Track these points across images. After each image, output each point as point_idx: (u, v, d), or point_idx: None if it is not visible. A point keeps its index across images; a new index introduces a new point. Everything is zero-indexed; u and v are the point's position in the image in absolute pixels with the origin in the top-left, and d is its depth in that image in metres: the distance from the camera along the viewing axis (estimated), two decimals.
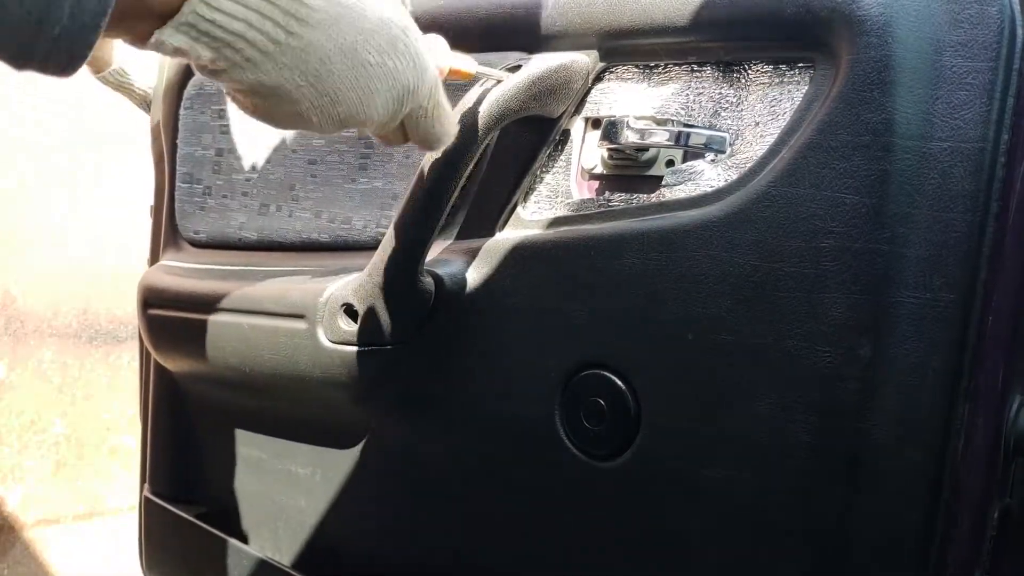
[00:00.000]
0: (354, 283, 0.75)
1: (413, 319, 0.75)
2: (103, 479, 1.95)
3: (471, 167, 0.73)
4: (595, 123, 0.72)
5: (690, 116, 0.67)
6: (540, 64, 0.69)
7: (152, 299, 0.94)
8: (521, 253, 0.72)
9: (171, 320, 0.92)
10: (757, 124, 0.64)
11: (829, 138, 0.59)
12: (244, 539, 0.96)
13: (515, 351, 0.72)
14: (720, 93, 0.66)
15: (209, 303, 0.87)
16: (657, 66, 0.69)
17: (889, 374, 0.58)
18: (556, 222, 0.72)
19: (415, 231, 0.71)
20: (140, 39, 0.47)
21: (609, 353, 0.68)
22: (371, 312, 0.75)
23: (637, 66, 0.70)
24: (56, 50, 0.43)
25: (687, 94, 0.68)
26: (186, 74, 0.97)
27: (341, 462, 0.86)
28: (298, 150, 0.88)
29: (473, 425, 0.76)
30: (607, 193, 0.71)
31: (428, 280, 0.74)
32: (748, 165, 0.63)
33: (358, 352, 0.77)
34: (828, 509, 0.60)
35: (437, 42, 0.62)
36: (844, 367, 0.59)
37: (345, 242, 0.85)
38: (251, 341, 0.84)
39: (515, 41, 0.74)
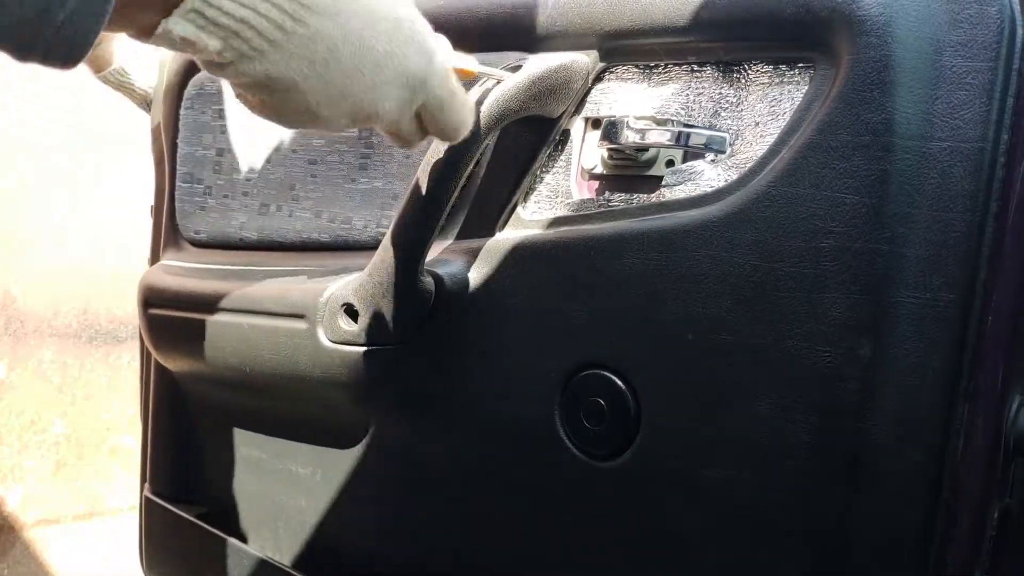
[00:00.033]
0: (354, 283, 0.75)
1: (413, 319, 0.75)
2: (103, 479, 1.95)
3: (471, 167, 0.73)
4: (595, 123, 0.72)
5: (690, 116, 0.67)
6: (540, 64, 0.69)
7: (152, 299, 0.94)
8: (521, 253, 0.72)
9: (171, 320, 0.92)
10: (757, 124, 0.64)
11: (829, 138, 0.59)
12: (244, 539, 0.96)
13: (515, 351, 0.72)
14: (720, 93, 0.66)
15: (209, 303, 0.87)
16: (657, 66, 0.69)
17: (889, 374, 0.58)
18: (556, 222, 0.72)
19: (415, 231, 0.71)
20: (144, 32, 0.47)
21: (609, 353, 0.68)
22: (371, 312, 0.75)
23: (637, 66, 0.70)
24: (59, 41, 0.42)
25: (687, 94, 0.68)
26: (187, 74, 0.97)
27: (341, 462, 0.86)
28: (298, 150, 0.88)
29: (473, 425, 0.76)
30: (607, 193, 0.71)
31: (428, 280, 0.74)
32: (748, 165, 0.63)
33: (358, 352, 0.77)
34: (828, 509, 0.60)
35: (439, 41, 0.62)
36: (844, 367, 0.59)
37: (345, 242, 0.85)
38: (251, 341, 0.84)
39: (515, 41, 0.74)
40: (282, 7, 0.47)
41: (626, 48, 0.70)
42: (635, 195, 0.69)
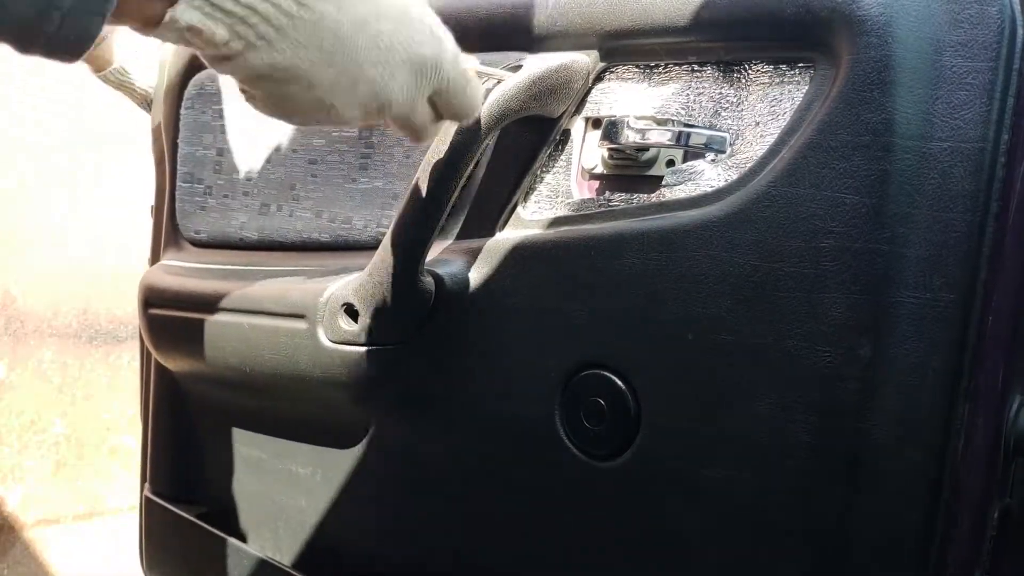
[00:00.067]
0: (354, 283, 0.75)
1: (413, 319, 0.75)
2: (103, 479, 1.95)
3: (471, 167, 0.73)
4: (595, 123, 0.72)
5: (690, 116, 0.67)
6: (540, 64, 0.69)
7: (153, 299, 0.94)
8: (521, 253, 0.72)
9: (172, 320, 0.92)
10: (757, 124, 0.64)
11: (829, 138, 0.59)
12: (244, 539, 0.96)
13: (515, 351, 0.72)
14: (720, 93, 0.66)
15: (210, 303, 0.87)
16: (657, 66, 0.69)
17: (889, 374, 0.58)
18: (556, 222, 0.72)
19: (415, 231, 0.71)
20: (150, 23, 0.46)
21: (609, 353, 0.68)
22: (371, 312, 0.75)
23: (637, 66, 0.70)
24: (62, 32, 0.42)
25: (687, 94, 0.68)
26: (187, 74, 0.97)
27: (341, 462, 0.86)
28: (299, 150, 0.88)
29: (473, 425, 0.76)
30: (607, 193, 0.71)
31: (428, 280, 0.74)
32: (748, 165, 0.63)
33: (358, 352, 0.77)
34: (828, 509, 0.60)
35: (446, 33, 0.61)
36: (844, 367, 0.59)
37: (345, 242, 0.85)
38: (251, 341, 0.84)
39: (515, 41, 0.74)
40: None
41: (626, 48, 0.70)
42: (635, 195, 0.69)
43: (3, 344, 1.79)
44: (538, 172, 0.74)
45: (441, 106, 0.57)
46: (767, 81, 0.64)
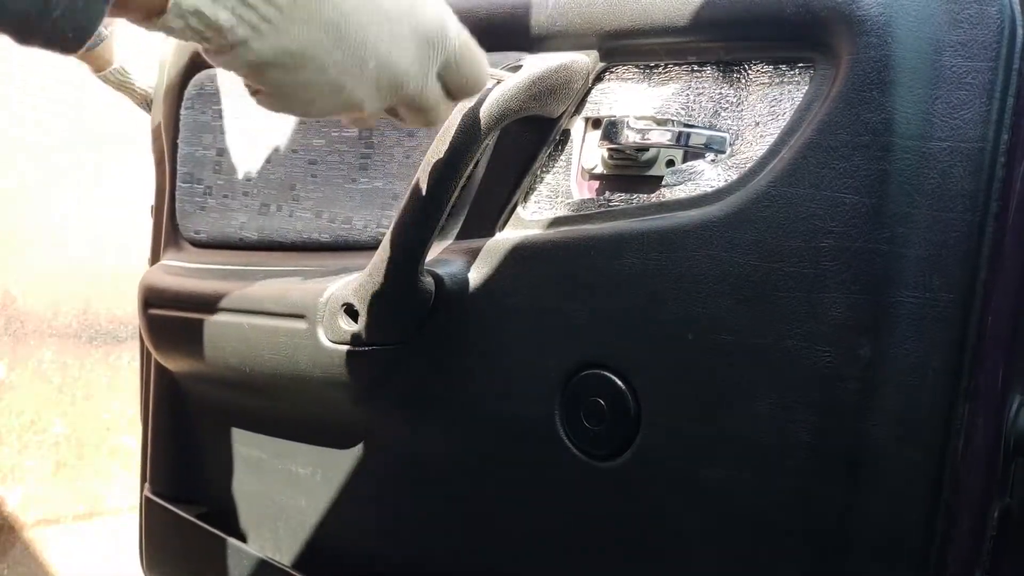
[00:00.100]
0: (354, 283, 0.75)
1: (413, 319, 0.75)
2: (103, 479, 1.95)
3: (471, 167, 0.73)
4: (595, 123, 0.72)
5: (690, 116, 0.67)
6: (540, 64, 0.69)
7: (152, 299, 0.94)
8: (521, 253, 0.72)
9: (171, 320, 0.92)
10: (757, 124, 0.64)
11: (829, 138, 0.59)
12: (244, 539, 0.96)
13: (515, 351, 0.72)
14: (720, 93, 0.66)
15: (209, 303, 0.87)
16: (657, 66, 0.69)
17: (889, 374, 0.58)
18: (556, 222, 0.72)
19: (415, 231, 0.71)
20: (151, 13, 0.45)
21: (609, 353, 0.68)
22: (371, 312, 0.75)
23: (637, 66, 0.70)
24: (63, 22, 0.41)
25: (687, 94, 0.68)
26: (187, 74, 0.97)
27: (341, 462, 0.86)
28: (298, 150, 0.88)
29: (473, 425, 0.76)
30: (607, 193, 0.71)
31: (428, 280, 0.74)
32: (748, 165, 0.63)
33: (358, 352, 0.77)
34: (828, 509, 0.60)
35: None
36: (844, 367, 0.59)
37: (345, 242, 0.85)
38: (251, 341, 0.84)
39: (515, 41, 0.74)
40: None
41: (626, 48, 0.70)
42: (635, 195, 0.69)
43: (3, 344, 1.79)
44: (538, 172, 0.74)
45: (449, 81, 0.56)
46: (767, 81, 0.64)
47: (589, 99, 0.72)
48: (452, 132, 0.69)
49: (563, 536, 0.72)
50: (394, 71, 0.52)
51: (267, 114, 0.90)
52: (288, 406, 0.89)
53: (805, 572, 0.62)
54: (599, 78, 0.72)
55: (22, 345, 1.82)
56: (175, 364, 0.96)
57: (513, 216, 0.75)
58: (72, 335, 1.89)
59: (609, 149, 0.70)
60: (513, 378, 0.73)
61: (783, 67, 0.63)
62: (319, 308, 0.78)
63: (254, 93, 0.53)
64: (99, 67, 1.04)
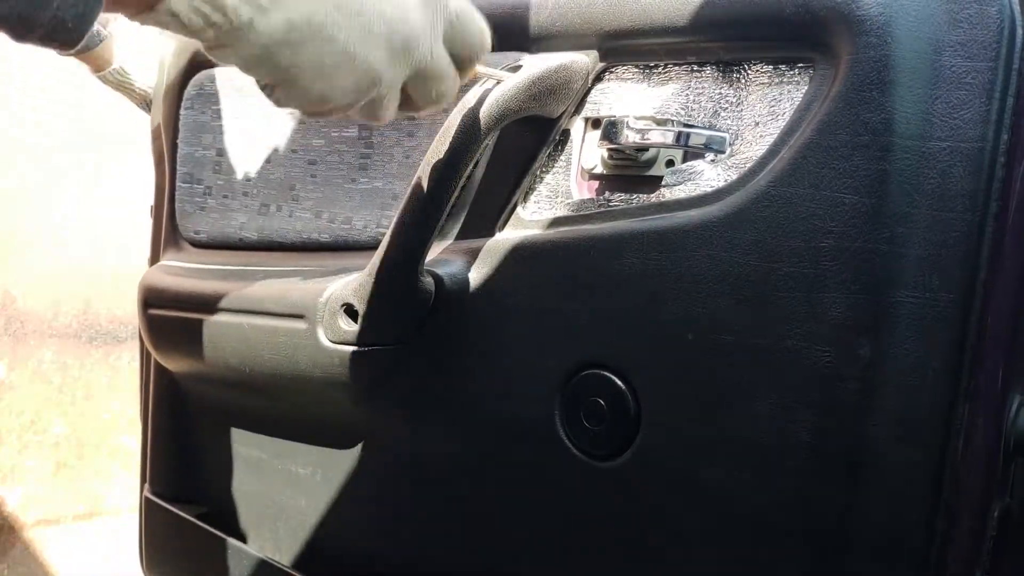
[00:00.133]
0: (354, 283, 0.75)
1: (413, 319, 0.75)
2: (103, 479, 1.95)
3: (471, 167, 0.73)
4: (595, 123, 0.72)
5: (690, 116, 0.67)
6: (540, 64, 0.69)
7: (152, 299, 0.94)
8: (521, 253, 0.72)
9: (171, 320, 0.92)
10: (757, 124, 0.64)
11: (829, 138, 0.59)
12: (244, 539, 0.96)
13: (515, 351, 0.72)
14: (720, 93, 0.66)
15: (209, 303, 0.87)
16: (657, 66, 0.69)
17: (889, 374, 0.58)
18: (556, 222, 0.72)
19: (415, 231, 0.71)
20: (146, 5, 0.45)
21: (609, 353, 0.68)
22: (371, 312, 0.75)
23: (637, 66, 0.70)
24: (60, 19, 0.41)
25: (687, 94, 0.68)
26: (187, 74, 0.97)
27: (341, 462, 0.86)
28: (298, 150, 0.88)
29: (473, 425, 0.76)
30: (607, 193, 0.71)
31: (428, 280, 0.74)
32: (748, 165, 0.63)
33: (358, 352, 0.77)
34: (828, 509, 0.60)
35: None
36: (844, 367, 0.59)
37: (345, 242, 0.85)
38: (251, 341, 0.84)
39: (515, 41, 0.74)
40: None
41: (626, 48, 0.70)
42: (635, 195, 0.69)
43: (3, 344, 1.79)
44: (538, 172, 0.74)
45: (454, 47, 0.55)
46: (767, 81, 0.64)
47: (589, 99, 0.72)
48: (452, 132, 0.69)
49: (563, 536, 0.72)
50: (403, 31, 0.51)
51: (267, 114, 0.90)
52: (288, 406, 0.89)
53: (805, 572, 0.62)
54: (599, 78, 0.72)
55: (22, 345, 1.82)
56: (175, 364, 0.96)
57: (513, 216, 0.75)
58: (72, 335, 1.89)
59: (609, 149, 0.70)
60: (513, 378, 0.73)
61: (783, 67, 0.63)
62: (319, 308, 0.78)
63: (271, 93, 0.52)
64: (98, 67, 1.04)
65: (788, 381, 0.60)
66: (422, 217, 0.71)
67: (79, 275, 1.89)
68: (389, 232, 0.72)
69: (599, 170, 0.72)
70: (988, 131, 0.56)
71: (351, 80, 0.51)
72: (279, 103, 0.52)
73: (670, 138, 0.66)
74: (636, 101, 0.70)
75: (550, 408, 0.71)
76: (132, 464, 1.95)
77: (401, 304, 0.74)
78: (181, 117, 0.97)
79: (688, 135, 0.66)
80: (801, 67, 0.62)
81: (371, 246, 0.77)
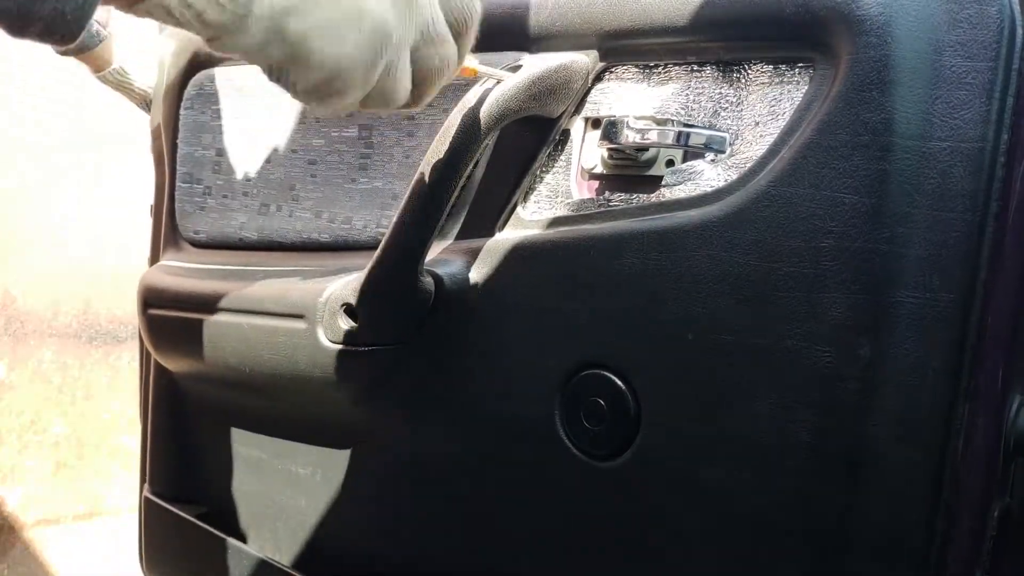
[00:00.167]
0: (354, 283, 0.75)
1: (413, 319, 0.75)
2: (103, 479, 1.95)
3: (471, 167, 0.73)
4: (595, 123, 0.72)
5: (690, 116, 0.67)
6: (540, 64, 0.69)
7: (152, 299, 0.94)
8: (521, 253, 0.72)
9: (171, 320, 0.92)
10: (757, 124, 0.64)
11: (829, 138, 0.59)
12: (244, 539, 0.96)
13: (515, 351, 0.72)
14: (720, 93, 0.66)
15: (209, 303, 0.87)
16: (657, 66, 0.69)
17: (889, 374, 0.58)
18: (556, 222, 0.72)
19: (415, 231, 0.71)
20: None
21: (609, 353, 0.68)
22: (371, 312, 0.75)
23: (637, 66, 0.70)
24: (60, 11, 0.40)
25: (687, 94, 0.68)
26: (186, 74, 0.97)
27: (341, 462, 0.86)
28: (298, 150, 0.88)
29: (473, 425, 0.76)
30: (607, 193, 0.71)
31: (428, 280, 0.74)
32: (748, 165, 0.63)
33: (358, 352, 0.77)
34: (828, 509, 0.60)
35: None
36: (844, 367, 0.59)
37: (345, 242, 0.85)
38: (251, 341, 0.84)
39: (515, 41, 0.74)
40: None
41: (626, 48, 0.70)
42: (635, 195, 0.69)
43: (3, 344, 1.79)
44: (538, 172, 0.74)
45: (448, 13, 0.55)
46: (767, 81, 0.64)
47: (589, 99, 0.72)
48: (452, 132, 0.69)
49: (563, 536, 0.72)
50: None
51: (267, 114, 0.90)
52: (288, 406, 0.89)
53: (805, 572, 0.62)
54: (599, 78, 0.72)
55: (22, 345, 1.82)
56: (174, 364, 0.96)
57: (513, 216, 0.75)
58: (72, 335, 1.89)
59: (609, 149, 0.70)
60: (513, 378, 0.73)
61: (783, 67, 0.63)
62: (319, 308, 0.78)
63: (280, 76, 0.50)
64: (98, 67, 1.04)
65: (788, 381, 0.60)
66: (422, 217, 0.71)
67: (79, 275, 1.89)
68: (389, 232, 0.72)
69: (599, 170, 0.72)
70: (988, 131, 0.56)
71: (363, 40, 0.49)
72: (291, 85, 0.50)
73: (670, 138, 0.66)
74: (636, 101, 0.70)
75: (550, 408, 0.70)
76: (132, 464, 1.95)
77: (401, 304, 0.74)
78: (181, 117, 0.97)
79: (688, 135, 0.66)
80: (801, 67, 0.62)
81: (371, 246, 0.77)
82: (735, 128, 0.65)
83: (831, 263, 0.58)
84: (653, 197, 0.68)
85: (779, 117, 0.63)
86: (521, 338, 0.72)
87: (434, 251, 0.76)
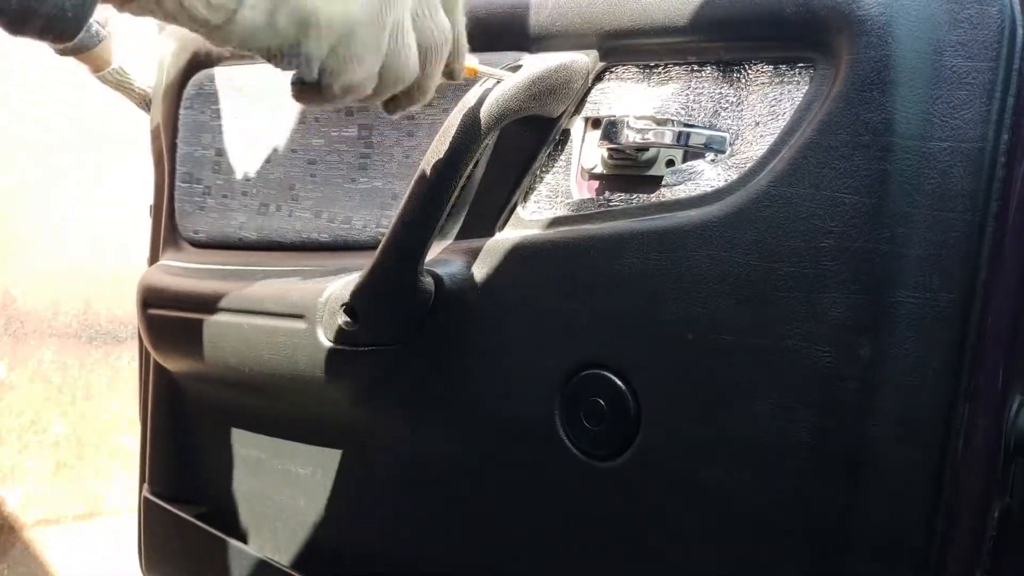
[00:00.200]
0: (354, 283, 0.75)
1: (413, 319, 0.75)
2: (103, 479, 1.95)
3: (471, 167, 0.73)
4: (595, 123, 0.72)
5: (690, 116, 0.67)
6: (540, 64, 0.69)
7: (152, 299, 0.94)
8: (521, 253, 0.72)
9: (171, 320, 0.92)
10: (757, 124, 0.64)
11: (829, 138, 0.59)
12: (244, 539, 0.96)
13: (515, 351, 0.72)
14: (720, 93, 0.66)
15: (209, 303, 0.87)
16: (657, 66, 0.69)
17: (889, 374, 0.58)
18: (556, 222, 0.72)
19: (415, 231, 0.71)
20: None
21: (609, 353, 0.68)
22: (371, 312, 0.75)
23: (637, 66, 0.70)
24: (60, 7, 0.40)
25: (687, 94, 0.68)
26: (186, 74, 0.97)
27: (341, 462, 0.86)
28: (297, 150, 0.88)
29: (473, 425, 0.76)
30: (607, 193, 0.71)
31: (428, 280, 0.74)
32: (748, 165, 0.63)
33: (358, 352, 0.77)
34: (828, 509, 0.60)
35: None
36: (844, 367, 0.59)
37: (345, 242, 0.85)
38: (251, 341, 0.84)
39: (515, 41, 0.74)
40: None
41: (626, 48, 0.69)
42: (635, 195, 0.69)
43: (3, 344, 1.79)
44: (538, 172, 0.74)
45: None
46: (767, 81, 0.64)
47: (589, 99, 0.72)
48: (452, 132, 0.69)
49: (563, 536, 0.72)
50: None
51: (266, 114, 0.90)
52: (288, 406, 0.89)
53: (805, 572, 0.62)
54: (599, 78, 0.72)
55: (22, 345, 1.81)
56: (174, 364, 0.96)
57: (513, 216, 0.75)
58: (72, 335, 1.89)
59: (609, 149, 0.70)
60: (513, 378, 0.73)
61: (783, 67, 0.63)
62: (318, 308, 0.78)
63: (289, 61, 0.48)
64: (98, 67, 1.04)
65: (788, 381, 0.60)
66: (422, 217, 0.71)
67: (79, 275, 1.89)
68: (389, 232, 0.72)
69: (599, 170, 0.72)
70: (988, 131, 0.56)
71: (366, 24, 0.48)
72: (306, 61, 0.49)
73: (670, 138, 0.66)
74: (636, 101, 0.70)
75: (550, 408, 0.70)
76: (132, 464, 1.94)
77: (401, 304, 0.74)
78: (180, 117, 0.97)
79: (688, 135, 0.66)
80: (801, 67, 0.62)
81: (371, 246, 0.77)
82: (735, 128, 0.65)
83: (831, 263, 0.58)
84: (653, 197, 0.68)
85: (779, 117, 0.63)
86: (521, 338, 0.72)
87: (434, 251, 0.76)
